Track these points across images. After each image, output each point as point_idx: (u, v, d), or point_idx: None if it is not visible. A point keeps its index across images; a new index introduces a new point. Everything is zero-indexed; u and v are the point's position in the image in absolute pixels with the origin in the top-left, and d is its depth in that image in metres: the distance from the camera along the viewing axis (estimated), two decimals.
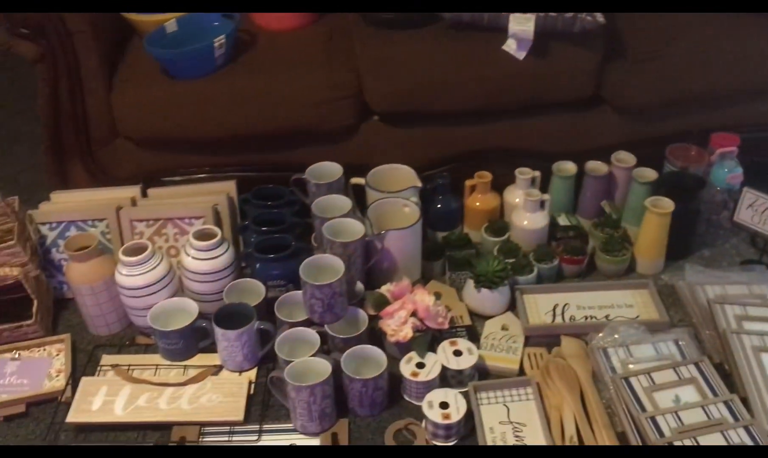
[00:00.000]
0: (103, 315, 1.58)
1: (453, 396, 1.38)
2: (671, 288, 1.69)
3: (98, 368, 1.49)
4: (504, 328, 1.59)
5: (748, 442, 1.30)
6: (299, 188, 1.76)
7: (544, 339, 1.57)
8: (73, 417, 1.37)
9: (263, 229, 1.66)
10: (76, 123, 1.74)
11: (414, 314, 1.49)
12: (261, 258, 1.59)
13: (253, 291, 1.56)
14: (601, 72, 1.75)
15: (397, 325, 1.47)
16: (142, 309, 1.53)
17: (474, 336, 1.57)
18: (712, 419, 1.35)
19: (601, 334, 1.52)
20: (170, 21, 1.80)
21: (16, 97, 2.47)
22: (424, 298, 1.51)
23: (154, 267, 1.53)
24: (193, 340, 1.50)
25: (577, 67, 1.72)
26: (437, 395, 1.38)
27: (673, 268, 1.74)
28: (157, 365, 1.49)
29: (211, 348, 1.51)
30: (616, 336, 1.51)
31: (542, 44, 1.67)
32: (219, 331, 1.44)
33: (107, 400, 1.40)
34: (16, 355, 1.52)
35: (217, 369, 1.48)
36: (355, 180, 1.78)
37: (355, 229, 1.58)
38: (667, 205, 1.67)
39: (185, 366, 1.49)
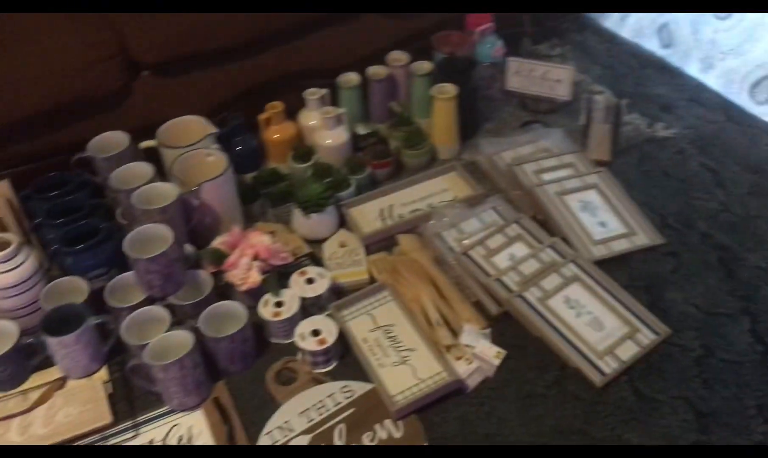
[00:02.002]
0: None
1: (321, 322, 1.38)
2: (473, 164, 1.82)
3: None
4: (342, 245, 1.60)
5: (579, 273, 1.47)
6: (86, 168, 1.59)
7: (382, 243, 1.61)
8: None
9: (60, 221, 1.48)
10: None
11: (256, 257, 1.45)
12: (71, 252, 1.43)
13: (74, 289, 1.40)
14: None
15: (244, 273, 1.42)
16: None
17: (318, 261, 1.57)
18: (545, 263, 1.50)
19: (431, 222, 1.60)
20: None
21: None
22: (261, 239, 1.47)
23: None
24: (21, 362, 1.32)
25: None
26: (306, 326, 1.37)
27: (469, 147, 1.87)
28: None
29: (47, 363, 1.34)
30: (445, 219, 1.60)
31: None
32: (53, 341, 1.29)
33: None
34: None
35: (62, 382, 1.32)
36: (145, 143, 1.64)
37: (167, 191, 1.48)
38: (451, 89, 1.78)
39: (23, 391, 1.31)
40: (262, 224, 1.66)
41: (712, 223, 1.62)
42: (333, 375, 1.35)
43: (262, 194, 1.70)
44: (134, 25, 1.60)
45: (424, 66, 1.87)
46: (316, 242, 1.62)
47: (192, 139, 1.64)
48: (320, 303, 1.45)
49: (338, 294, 1.50)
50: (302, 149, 1.78)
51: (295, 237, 1.63)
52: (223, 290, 1.46)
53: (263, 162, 1.81)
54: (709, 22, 1.96)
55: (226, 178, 1.56)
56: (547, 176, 1.71)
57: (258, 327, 1.41)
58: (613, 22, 2.32)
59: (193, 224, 1.53)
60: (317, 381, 1.34)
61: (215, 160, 1.60)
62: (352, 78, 1.85)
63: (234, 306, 1.36)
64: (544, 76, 1.83)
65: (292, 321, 1.40)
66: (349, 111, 1.84)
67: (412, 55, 1.90)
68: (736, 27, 1.89)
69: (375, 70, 1.87)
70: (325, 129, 1.76)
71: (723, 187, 1.71)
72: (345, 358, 1.38)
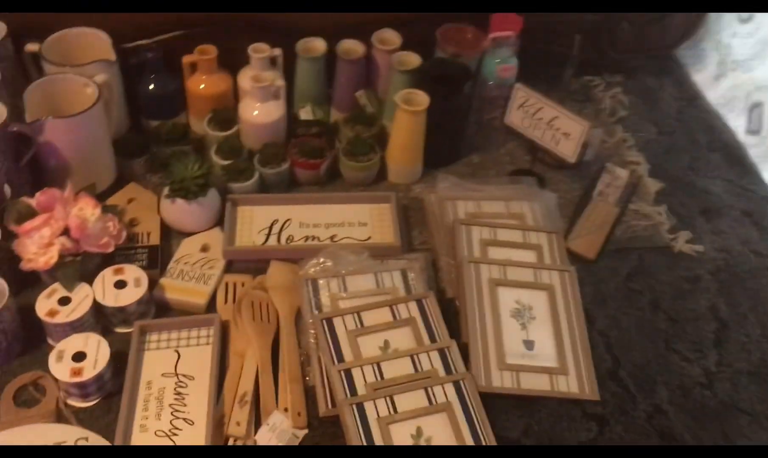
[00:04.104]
0: None
1: (95, 343, 1.07)
2: (421, 202, 1.42)
3: None
4: (204, 249, 1.27)
5: (454, 402, 1.07)
6: None
7: (251, 264, 1.27)
8: None
9: None
10: None
11: (66, 232, 1.14)
12: None
13: None
14: None
15: (39, 248, 1.12)
16: None
17: (162, 259, 1.24)
18: (420, 372, 1.11)
19: (313, 261, 1.23)
20: None
21: None
22: (85, 212, 1.16)
23: None
24: None
25: None
26: (71, 343, 1.06)
27: (432, 177, 1.46)
28: None
29: None
30: (329, 263, 1.23)
31: None
32: None
33: None
34: None
35: None
36: (30, 47, 1.36)
37: None
38: (421, 100, 1.37)
39: None
40: (135, 187, 1.37)
41: (677, 396, 1.16)
42: (85, 415, 1.05)
43: (151, 152, 1.38)
44: None
45: (410, 58, 1.46)
46: (182, 235, 1.30)
47: (85, 58, 1.34)
48: (124, 316, 1.14)
49: (161, 309, 1.19)
50: (223, 114, 1.44)
51: (156, 219, 1.30)
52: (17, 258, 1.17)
53: (181, 112, 1.49)
54: None
55: (85, 119, 1.25)
56: (494, 252, 1.29)
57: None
58: (706, 77, 1.80)
59: (22, 164, 1.23)
60: (62, 417, 1.04)
61: (92, 93, 1.29)
62: (316, 45, 1.47)
63: None
64: (551, 124, 1.38)
65: (73, 328, 1.09)
66: (302, 86, 1.49)
67: (407, 40, 1.49)
68: None
69: (348, 46, 1.48)
70: (255, 99, 1.40)
71: (721, 352, 1.23)
72: (114, 396, 1.07)
